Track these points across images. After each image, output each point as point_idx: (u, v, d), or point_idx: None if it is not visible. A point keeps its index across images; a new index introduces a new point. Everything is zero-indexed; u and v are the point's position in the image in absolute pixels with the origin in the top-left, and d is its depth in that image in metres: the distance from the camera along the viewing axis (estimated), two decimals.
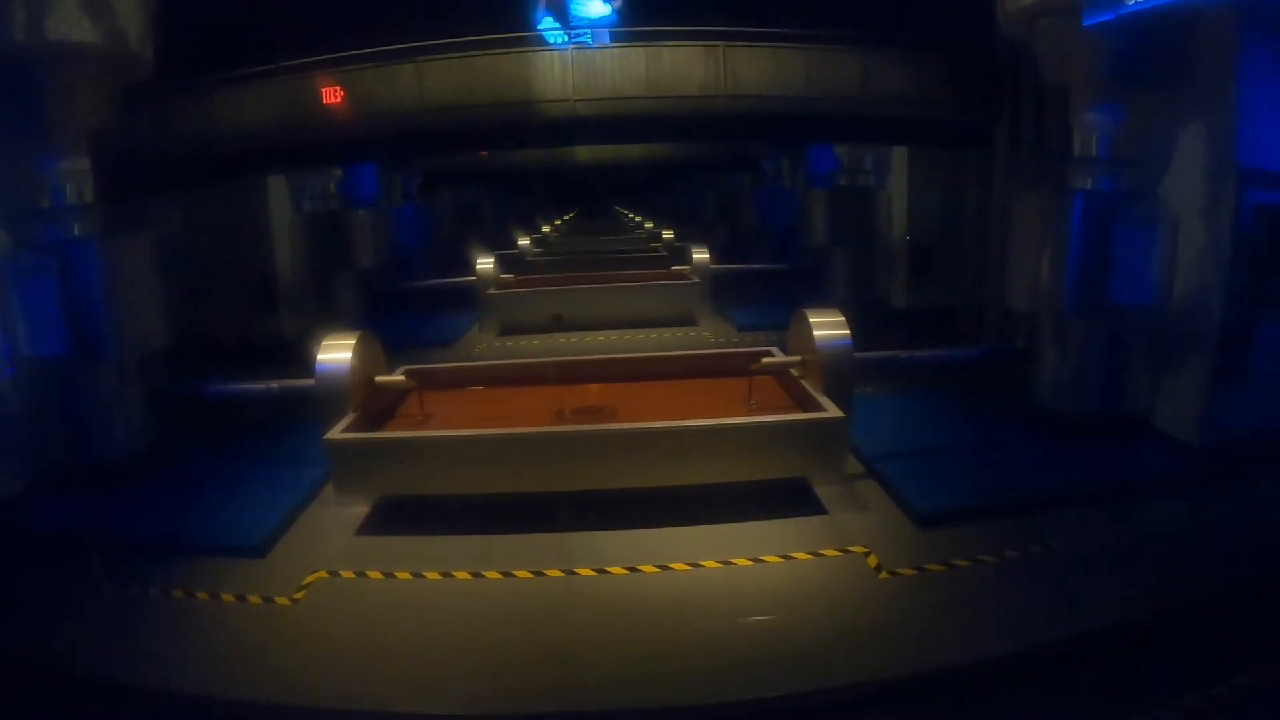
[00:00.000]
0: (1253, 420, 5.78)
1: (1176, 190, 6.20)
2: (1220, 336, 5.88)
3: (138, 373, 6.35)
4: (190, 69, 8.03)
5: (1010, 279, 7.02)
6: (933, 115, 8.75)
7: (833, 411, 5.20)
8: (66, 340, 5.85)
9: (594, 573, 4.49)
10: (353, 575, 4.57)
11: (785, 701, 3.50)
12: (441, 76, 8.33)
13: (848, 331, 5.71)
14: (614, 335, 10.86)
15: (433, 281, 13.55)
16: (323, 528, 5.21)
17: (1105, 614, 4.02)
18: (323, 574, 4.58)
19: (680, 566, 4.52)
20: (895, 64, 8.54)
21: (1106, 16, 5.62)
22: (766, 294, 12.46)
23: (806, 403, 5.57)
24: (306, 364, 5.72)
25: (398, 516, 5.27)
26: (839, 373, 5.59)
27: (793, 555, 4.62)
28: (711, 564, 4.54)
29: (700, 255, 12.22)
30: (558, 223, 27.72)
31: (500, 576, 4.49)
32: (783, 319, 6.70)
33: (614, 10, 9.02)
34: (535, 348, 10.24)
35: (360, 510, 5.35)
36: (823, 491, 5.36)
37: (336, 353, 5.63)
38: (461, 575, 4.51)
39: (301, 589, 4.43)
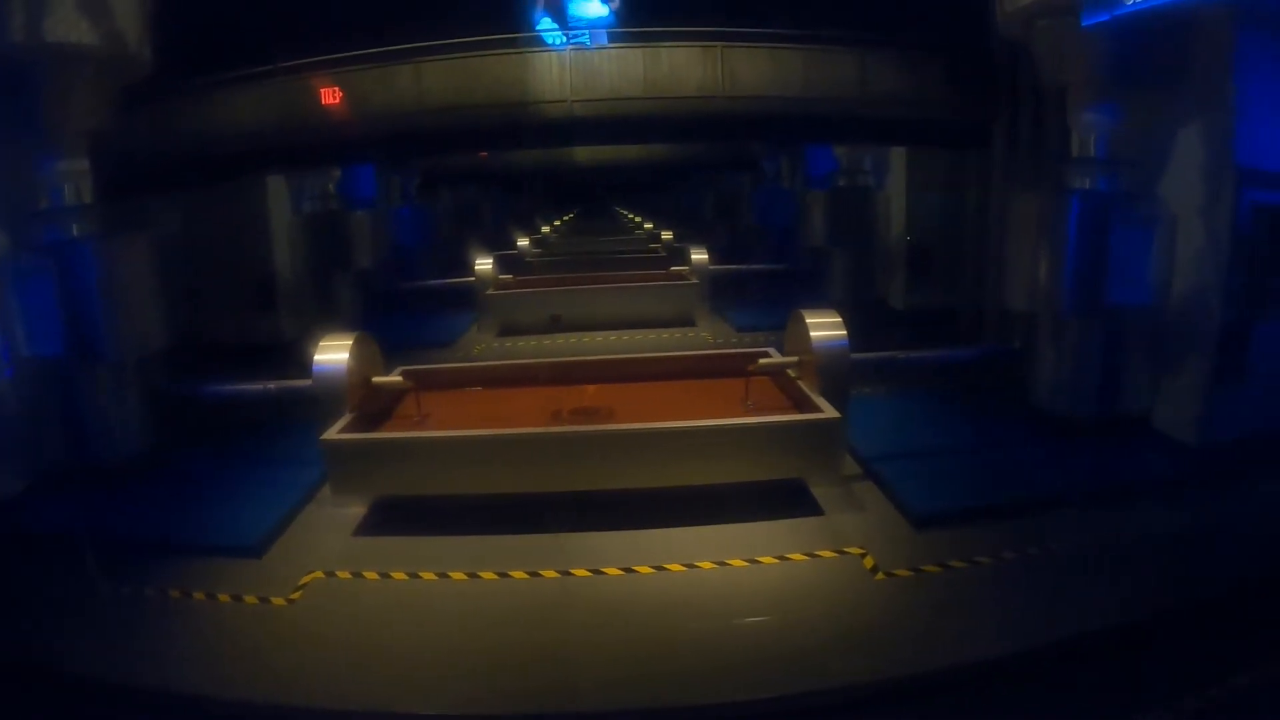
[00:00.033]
0: (1251, 420, 5.77)
1: (1175, 190, 6.19)
2: (1219, 336, 5.87)
3: (136, 373, 6.36)
4: (189, 70, 8.05)
5: (1008, 279, 7.01)
6: (931, 115, 8.75)
7: (829, 412, 5.20)
8: (65, 341, 5.87)
9: (590, 573, 4.49)
10: (349, 576, 4.57)
11: (780, 703, 3.49)
12: (439, 77, 8.35)
13: (844, 332, 5.70)
14: (612, 336, 10.85)
15: (431, 282, 13.55)
16: (320, 528, 5.21)
17: (1102, 615, 4.01)
18: (319, 574, 4.58)
19: (676, 567, 4.52)
20: (893, 64, 8.54)
21: (1105, 17, 5.62)
22: (765, 294, 12.45)
23: (803, 403, 5.56)
24: (305, 365, 5.72)
25: (394, 517, 5.27)
26: (835, 373, 5.58)
27: (789, 556, 4.61)
28: (707, 565, 4.54)
29: (699, 256, 12.22)
30: (557, 223, 27.71)
31: (496, 577, 4.49)
32: (781, 320, 6.69)
33: (611, 12, 9.03)
34: (534, 348, 10.24)
35: (357, 511, 5.35)
36: (820, 492, 5.36)
37: (333, 353, 5.63)
38: (457, 576, 4.51)
39: (298, 589, 4.43)
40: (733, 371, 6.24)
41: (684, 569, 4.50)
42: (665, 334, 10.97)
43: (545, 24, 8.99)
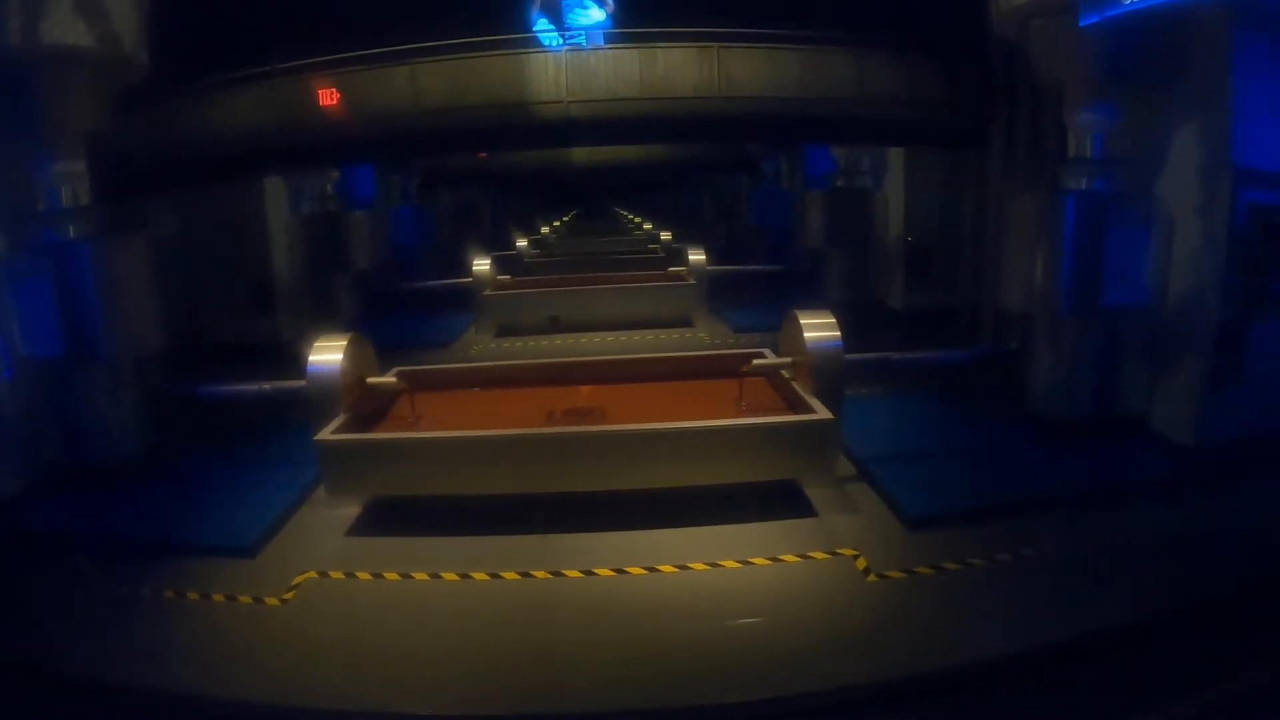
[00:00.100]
0: (1249, 421, 5.74)
1: (1172, 190, 6.16)
2: (1215, 337, 5.84)
3: (134, 374, 6.38)
4: (186, 72, 8.07)
5: (1005, 280, 7.00)
6: (928, 116, 8.73)
7: (822, 413, 5.19)
8: (63, 342, 5.89)
9: (582, 574, 4.49)
10: (342, 576, 4.58)
11: (772, 704, 3.49)
12: (436, 78, 8.35)
13: (838, 333, 5.69)
14: (610, 337, 10.85)
15: (430, 283, 13.57)
16: (313, 529, 5.22)
17: (1096, 616, 3.99)
18: (312, 574, 4.59)
19: (668, 568, 4.52)
20: (890, 65, 8.52)
21: (1102, 16, 5.60)
22: (764, 295, 12.43)
23: (797, 404, 5.56)
24: (302, 366, 5.73)
25: (388, 518, 5.28)
26: (829, 374, 5.57)
27: (781, 557, 4.61)
28: (700, 566, 4.54)
29: (697, 257, 12.21)
30: (557, 224, 27.73)
31: (488, 578, 4.49)
32: (778, 320, 6.69)
33: (608, 16, 9.04)
34: (532, 349, 10.25)
35: (351, 511, 5.36)
36: (813, 493, 5.35)
37: (327, 354, 5.64)
38: (450, 576, 4.51)
39: (291, 589, 4.44)
40: (727, 372, 6.24)
41: (676, 570, 4.50)
42: (663, 335, 10.97)
43: (542, 24, 8.99)
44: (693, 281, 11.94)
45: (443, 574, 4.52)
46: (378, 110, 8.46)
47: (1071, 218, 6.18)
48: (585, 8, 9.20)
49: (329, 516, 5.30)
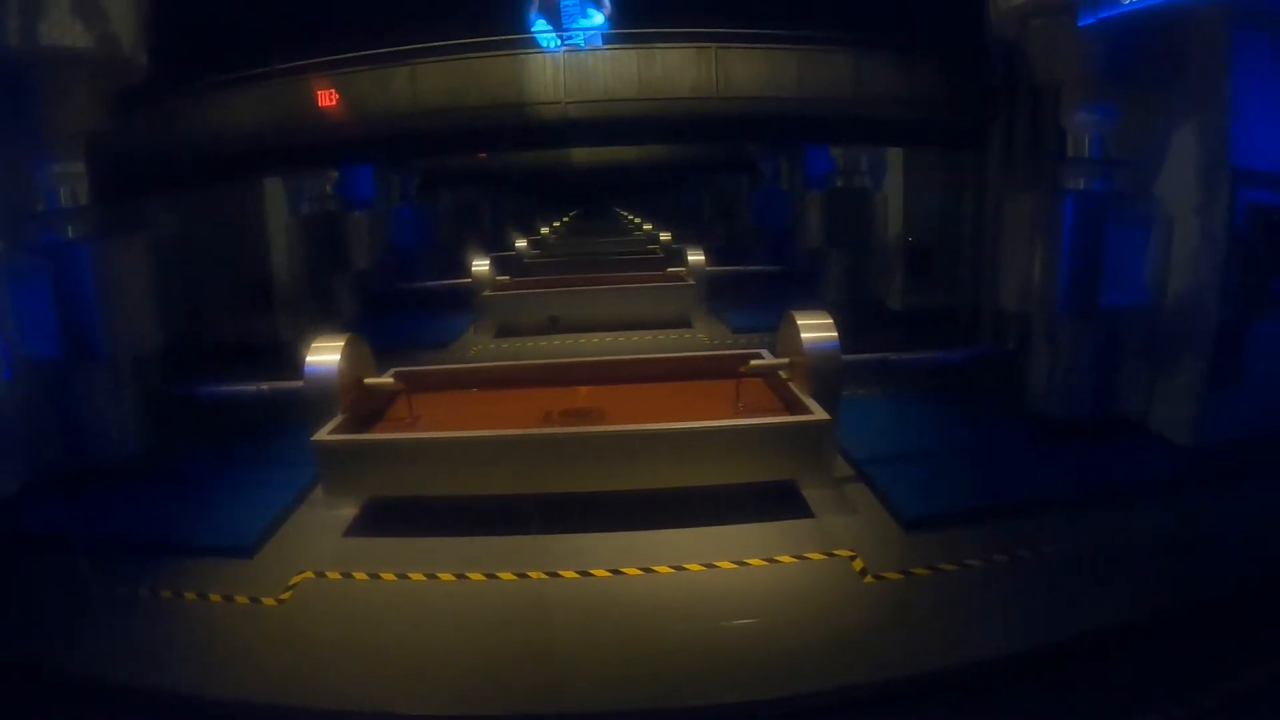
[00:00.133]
0: (1248, 421, 5.73)
1: (1170, 190, 6.16)
2: (1214, 337, 5.84)
3: (133, 374, 6.39)
4: (186, 72, 8.08)
5: (1003, 280, 6.98)
6: (927, 116, 8.72)
7: (819, 414, 5.18)
8: (62, 342, 5.89)
9: (578, 575, 4.48)
10: (339, 576, 4.58)
11: (769, 705, 3.49)
12: (435, 79, 8.36)
13: (835, 333, 5.68)
14: (609, 337, 10.85)
15: (429, 283, 13.58)
16: (311, 529, 5.23)
17: (1094, 617, 3.98)
18: (309, 574, 4.59)
19: (665, 569, 4.51)
20: (888, 65, 8.52)
21: (1100, 16, 5.60)
22: (763, 296, 12.42)
23: (793, 405, 5.55)
24: (300, 366, 5.74)
25: (386, 518, 5.28)
26: (826, 375, 5.56)
27: (778, 558, 4.60)
28: (696, 567, 4.53)
29: (696, 257, 12.21)
30: (556, 224, 27.74)
31: (485, 578, 4.49)
32: (777, 321, 6.69)
33: (606, 19, 9.05)
34: (531, 349, 10.25)
35: (349, 511, 5.36)
36: (810, 494, 5.34)
37: (325, 355, 5.65)
38: (446, 577, 4.51)
39: (288, 589, 4.44)
40: (725, 373, 6.24)
41: (674, 570, 4.50)
42: (662, 335, 10.97)
43: (540, 25, 9.00)
44: (692, 282, 11.94)
45: (440, 574, 4.53)
46: (377, 111, 8.47)
47: (1070, 218, 6.17)
48: (587, 16, 9.22)
49: (326, 517, 5.31)
